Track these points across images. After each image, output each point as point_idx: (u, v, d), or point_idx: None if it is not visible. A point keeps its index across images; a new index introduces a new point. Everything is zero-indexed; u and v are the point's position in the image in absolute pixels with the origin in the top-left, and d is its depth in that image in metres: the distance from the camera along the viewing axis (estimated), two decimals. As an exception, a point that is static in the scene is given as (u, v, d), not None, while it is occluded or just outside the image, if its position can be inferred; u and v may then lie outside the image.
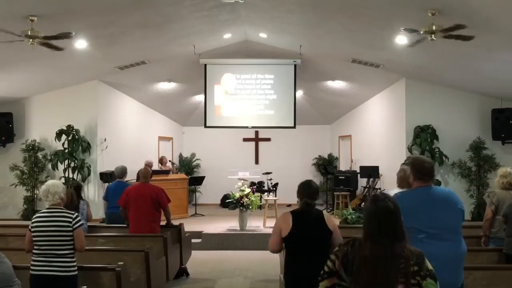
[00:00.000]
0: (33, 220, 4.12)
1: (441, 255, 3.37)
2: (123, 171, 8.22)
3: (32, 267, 4.02)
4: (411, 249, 2.48)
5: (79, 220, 4.11)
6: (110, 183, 9.01)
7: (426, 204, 3.49)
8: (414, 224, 3.44)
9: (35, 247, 4.06)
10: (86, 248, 5.17)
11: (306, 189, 4.01)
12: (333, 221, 4.00)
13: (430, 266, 2.44)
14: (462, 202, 3.63)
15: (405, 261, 2.40)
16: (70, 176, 11.38)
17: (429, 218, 3.43)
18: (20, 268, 4.53)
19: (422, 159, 3.69)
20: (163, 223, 7.10)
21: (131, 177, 9.18)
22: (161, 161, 12.90)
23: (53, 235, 4.00)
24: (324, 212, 3.97)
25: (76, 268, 4.10)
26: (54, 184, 4.22)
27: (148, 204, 6.67)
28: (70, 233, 4.02)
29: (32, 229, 4.07)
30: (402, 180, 5.28)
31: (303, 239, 3.79)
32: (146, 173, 7.04)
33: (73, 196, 6.41)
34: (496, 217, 5.48)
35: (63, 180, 11.11)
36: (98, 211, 11.56)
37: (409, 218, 3.45)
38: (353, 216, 9.15)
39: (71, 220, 4.05)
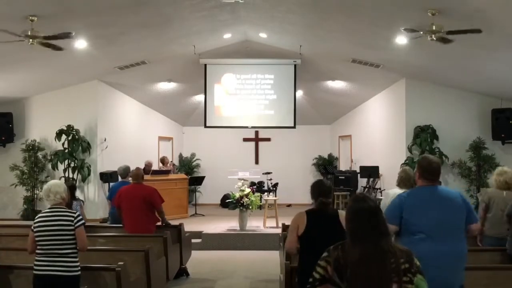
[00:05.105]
0: (35, 221, 4.12)
1: (442, 254, 3.38)
2: (126, 171, 8.16)
3: (35, 267, 4.02)
4: (399, 247, 2.52)
5: (81, 219, 4.11)
6: (114, 183, 8.95)
7: (430, 203, 3.49)
8: (417, 223, 3.45)
9: (38, 247, 4.05)
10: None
11: (320, 188, 3.98)
12: None
13: (418, 263, 2.48)
14: (466, 198, 3.68)
15: (395, 259, 2.42)
16: (70, 176, 11.38)
17: (432, 217, 3.44)
18: (20, 268, 4.55)
19: (429, 159, 3.66)
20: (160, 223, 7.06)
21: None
22: (163, 161, 12.89)
23: (56, 235, 4.00)
24: (340, 211, 3.92)
25: (79, 268, 4.09)
26: (55, 184, 4.23)
27: (140, 205, 6.58)
28: (72, 232, 4.02)
29: (35, 230, 4.07)
30: (402, 181, 5.28)
31: (316, 239, 3.74)
32: (137, 174, 6.92)
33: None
34: (487, 215, 5.50)
35: (63, 180, 11.13)
36: (97, 211, 11.58)
37: (412, 217, 3.48)
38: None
39: (72, 219, 4.05)
